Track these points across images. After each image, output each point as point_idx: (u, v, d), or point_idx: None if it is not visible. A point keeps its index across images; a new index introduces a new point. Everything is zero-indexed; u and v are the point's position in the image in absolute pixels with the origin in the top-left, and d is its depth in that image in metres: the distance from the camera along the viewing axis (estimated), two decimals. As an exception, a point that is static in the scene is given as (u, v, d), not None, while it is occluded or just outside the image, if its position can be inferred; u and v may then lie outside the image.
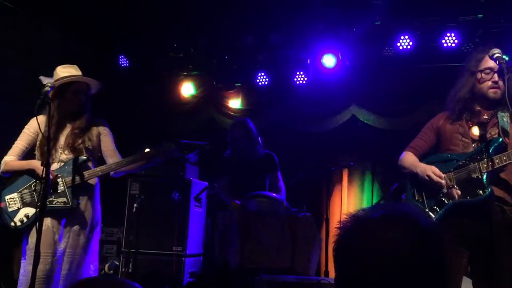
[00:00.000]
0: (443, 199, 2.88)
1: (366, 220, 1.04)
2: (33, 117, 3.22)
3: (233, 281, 4.33)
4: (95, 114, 3.48)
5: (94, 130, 3.43)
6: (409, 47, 5.90)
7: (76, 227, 3.25)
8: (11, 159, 3.31)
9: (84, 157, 3.32)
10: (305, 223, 4.44)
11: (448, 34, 5.75)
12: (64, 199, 3.19)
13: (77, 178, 3.24)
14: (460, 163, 2.93)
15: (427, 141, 3.16)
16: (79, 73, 3.35)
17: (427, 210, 2.92)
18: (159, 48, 6.85)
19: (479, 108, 3.00)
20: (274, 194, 4.68)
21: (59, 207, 3.20)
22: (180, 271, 4.76)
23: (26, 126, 3.38)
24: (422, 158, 3.14)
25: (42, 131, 3.13)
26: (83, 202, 3.31)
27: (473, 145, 2.95)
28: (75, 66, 3.40)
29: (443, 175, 2.90)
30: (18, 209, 3.19)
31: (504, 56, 2.95)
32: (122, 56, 6.89)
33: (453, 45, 5.77)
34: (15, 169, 3.28)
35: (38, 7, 6.02)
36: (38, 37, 6.45)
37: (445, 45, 5.77)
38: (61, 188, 3.20)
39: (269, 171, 4.90)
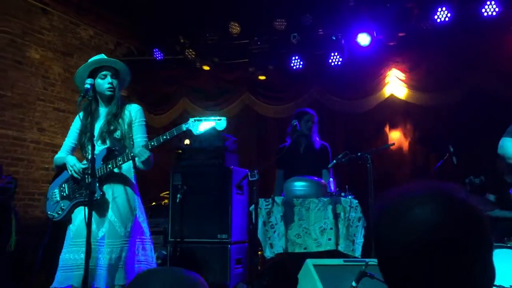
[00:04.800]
0: None
1: (406, 198, 1.04)
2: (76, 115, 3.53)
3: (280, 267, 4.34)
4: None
5: (127, 118, 3.45)
6: (447, 19, 5.69)
7: (111, 217, 3.27)
8: (60, 155, 3.55)
9: (111, 148, 3.37)
10: (349, 205, 4.40)
11: (488, 2, 5.51)
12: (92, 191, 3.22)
13: (104, 169, 3.29)
14: None
15: None
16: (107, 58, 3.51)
17: None
18: (189, 36, 6.86)
19: None
20: (316, 178, 4.64)
21: (86, 199, 3.20)
22: (226, 258, 4.80)
23: (72, 124, 3.62)
24: None
25: (82, 125, 3.39)
26: (116, 192, 3.33)
27: None
28: (103, 54, 3.58)
29: None
30: (57, 202, 3.42)
31: None
32: (156, 50, 6.94)
33: (494, 13, 5.53)
34: (58, 165, 3.55)
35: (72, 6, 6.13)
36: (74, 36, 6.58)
37: (485, 14, 5.54)
38: (88, 180, 3.23)
39: (325, 166, 4.90)
